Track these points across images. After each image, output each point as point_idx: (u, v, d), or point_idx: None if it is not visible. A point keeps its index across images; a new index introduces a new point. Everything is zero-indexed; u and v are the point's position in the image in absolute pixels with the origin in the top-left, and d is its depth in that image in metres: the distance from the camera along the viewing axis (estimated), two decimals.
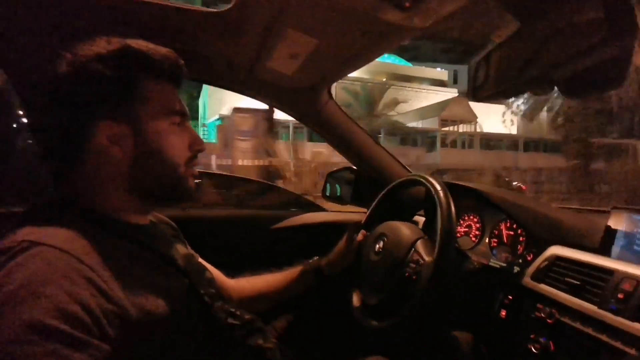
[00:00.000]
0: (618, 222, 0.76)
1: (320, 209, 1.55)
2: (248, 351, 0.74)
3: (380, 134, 18.63)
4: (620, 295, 0.64)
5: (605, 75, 0.52)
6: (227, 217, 1.41)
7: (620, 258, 0.73)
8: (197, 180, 0.67)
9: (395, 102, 19.31)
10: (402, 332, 0.97)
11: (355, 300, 0.94)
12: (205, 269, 0.79)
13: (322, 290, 0.99)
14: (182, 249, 0.73)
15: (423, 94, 22.04)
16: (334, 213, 1.52)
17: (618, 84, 0.51)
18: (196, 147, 0.66)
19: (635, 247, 0.73)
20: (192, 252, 0.78)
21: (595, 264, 0.72)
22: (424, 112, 20.82)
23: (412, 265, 0.83)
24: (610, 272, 0.69)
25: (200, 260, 0.81)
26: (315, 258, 1.03)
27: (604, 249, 0.76)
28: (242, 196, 1.75)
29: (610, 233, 0.77)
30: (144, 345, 0.51)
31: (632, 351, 0.59)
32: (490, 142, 21.00)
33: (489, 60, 0.66)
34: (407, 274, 0.83)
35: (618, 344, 0.61)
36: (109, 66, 0.56)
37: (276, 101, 1.22)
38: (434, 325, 0.99)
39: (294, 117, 1.26)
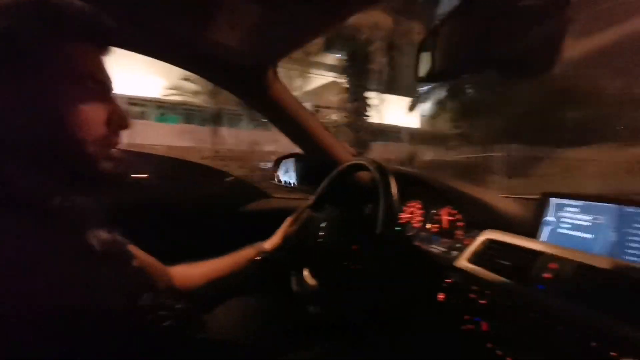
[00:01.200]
0: (547, 207, 0.80)
1: (267, 195, 1.50)
2: (180, 342, 0.69)
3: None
4: (547, 275, 0.67)
5: (537, 59, 0.53)
6: (169, 203, 1.32)
7: (549, 241, 0.77)
8: (118, 162, 0.56)
9: None
10: (342, 317, 0.96)
11: (295, 284, 0.92)
12: (133, 256, 0.72)
13: (267, 274, 0.96)
14: (104, 235, 0.65)
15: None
16: (281, 199, 1.48)
17: (547, 68, 0.52)
18: (116, 123, 0.55)
19: (561, 230, 0.77)
20: (120, 238, 0.71)
21: (525, 246, 0.75)
22: (302, 99, 19.77)
23: (352, 251, 0.82)
24: (538, 253, 0.72)
25: (131, 247, 0.74)
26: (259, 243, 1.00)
27: (534, 233, 0.80)
28: (185, 181, 1.65)
29: (540, 217, 0.81)
30: (62, 342, 0.45)
31: (560, 328, 0.61)
32: (390, 133, 17.92)
33: (435, 38, 0.65)
34: (346, 260, 0.81)
35: (547, 322, 0.63)
36: (3, 19, 0.47)
37: (220, 79, 1.16)
38: (374, 310, 0.99)
39: (240, 99, 1.21)
